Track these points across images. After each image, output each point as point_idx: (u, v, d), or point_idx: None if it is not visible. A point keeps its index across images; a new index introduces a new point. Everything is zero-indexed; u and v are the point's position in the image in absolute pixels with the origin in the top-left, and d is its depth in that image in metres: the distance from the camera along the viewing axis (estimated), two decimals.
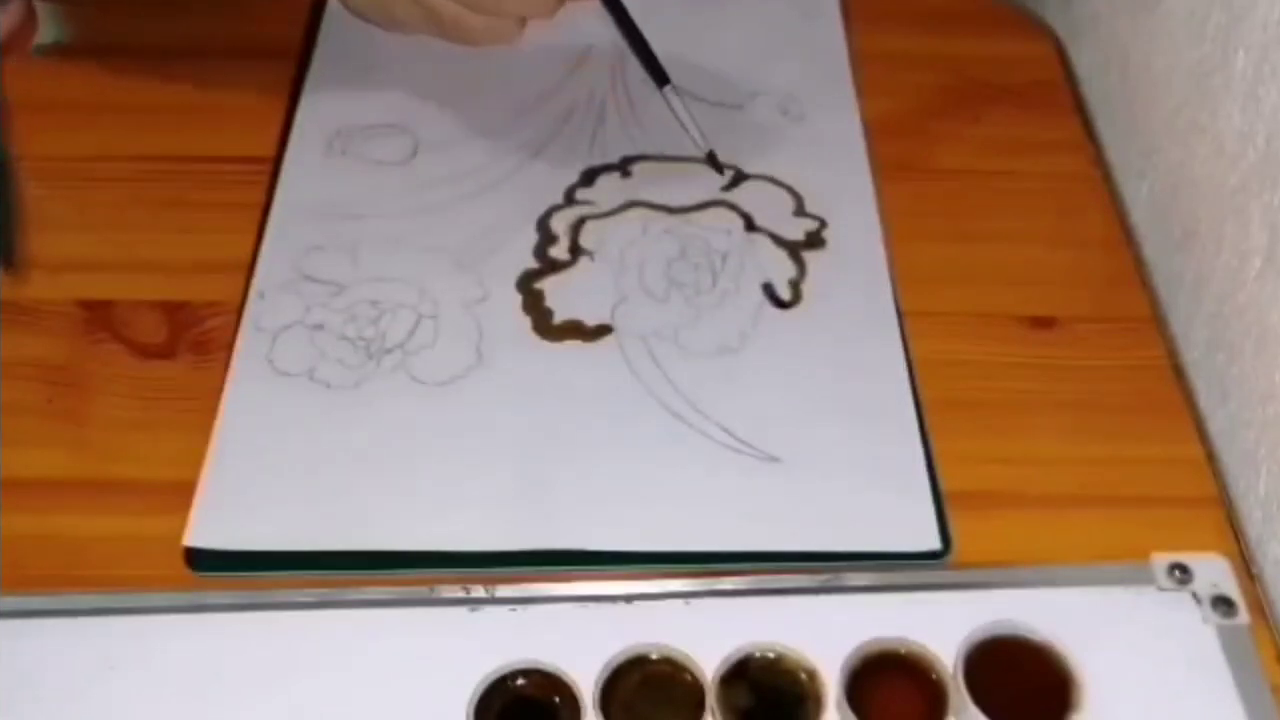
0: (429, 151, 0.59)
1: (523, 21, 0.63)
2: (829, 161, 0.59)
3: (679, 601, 0.44)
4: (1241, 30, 0.52)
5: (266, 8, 0.66)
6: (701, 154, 0.59)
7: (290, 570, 0.45)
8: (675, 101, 0.59)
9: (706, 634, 0.42)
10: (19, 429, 0.49)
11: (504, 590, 0.44)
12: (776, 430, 0.49)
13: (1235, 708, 0.42)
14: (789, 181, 0.58)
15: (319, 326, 0.52)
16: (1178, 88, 0.57)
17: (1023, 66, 0.66)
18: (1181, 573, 0.45)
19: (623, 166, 0.59)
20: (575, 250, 0.55)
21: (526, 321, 0.53)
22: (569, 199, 0.58)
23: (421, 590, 0.44)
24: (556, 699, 0.41)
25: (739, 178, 0.59)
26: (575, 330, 0.53)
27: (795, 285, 0.54)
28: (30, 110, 0.59)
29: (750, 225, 0.57)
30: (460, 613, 0.43)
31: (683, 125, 0.59)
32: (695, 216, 0.57)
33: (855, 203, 0.58)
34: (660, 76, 0.60)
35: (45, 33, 0.58)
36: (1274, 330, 0.49)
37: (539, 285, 0.54)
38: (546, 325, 0.53)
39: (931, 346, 0.52)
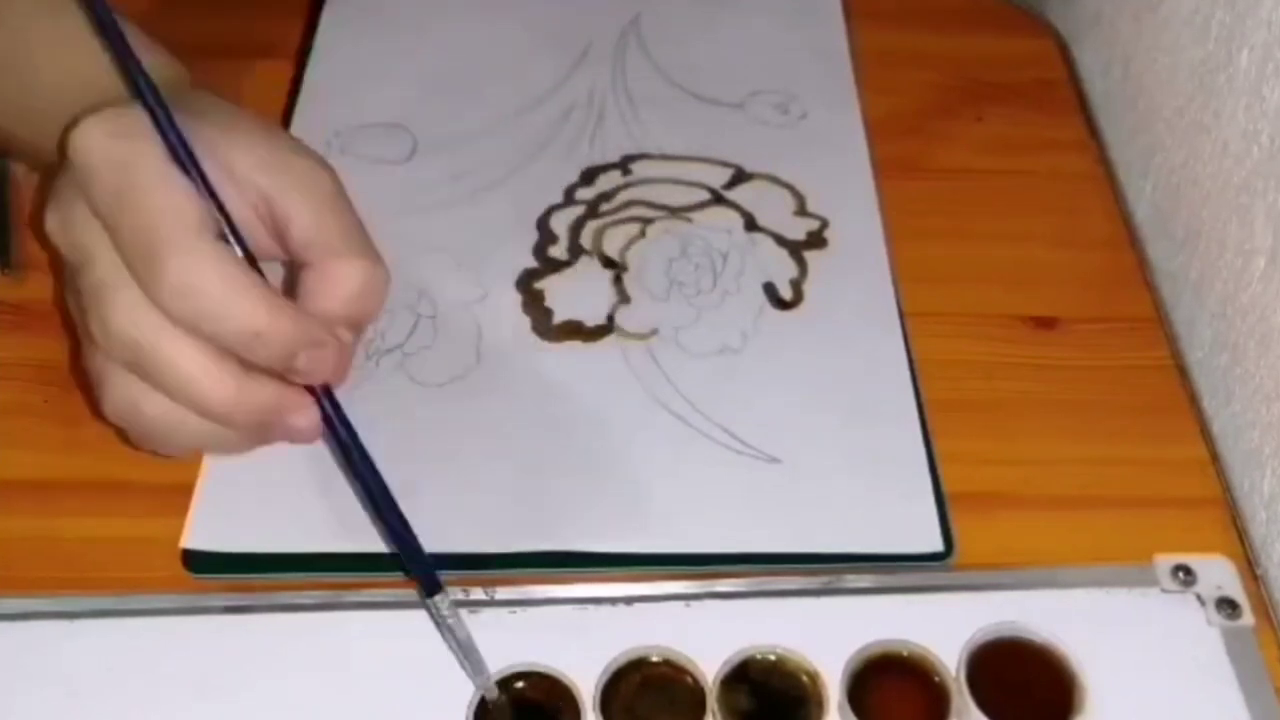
0: (428, 151, 0.59)
1: None
2: (830, 161, 0.59)
3: (679, 603, 0.44)
4: (1245, 29, 0.52)
5: (266, 8, 0.66)
6: None
7: (288, 572, 0.45)
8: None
9: (707, 636, 0.42)
10: (15, 430, 0.49)
11: (503, 592, 0.44)
12: (777, 431, 0.49)
13: (1239, 710, 0.42)
14: (790, 181, 0.58)
15: None
16: (1181, 86, 0.57)
17: (1025, 65, 0.65)
18: (1185, 574, 0.45)
19: (623, 166, 0.59)
20: (575, 250, 0.55)
21: (526, 321, 0.53)
22: (569, 199, 0.57)
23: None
24: (557, 701, 0.41)
25: (739, 177, 0.58)
26: (575, 330, 0.52)
27: (796, 285, 0.54)
28: None
29: (751, 225, 0.56)
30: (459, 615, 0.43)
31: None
32: (695, 216, 0.57)
33: (857, 202, 0.57)
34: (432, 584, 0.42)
35: None
36: (1278, 330, 0.48)
37: (539, 285, 0.54)
38: (546, 325, 0.52)
39: (933, 346, 0.52)
